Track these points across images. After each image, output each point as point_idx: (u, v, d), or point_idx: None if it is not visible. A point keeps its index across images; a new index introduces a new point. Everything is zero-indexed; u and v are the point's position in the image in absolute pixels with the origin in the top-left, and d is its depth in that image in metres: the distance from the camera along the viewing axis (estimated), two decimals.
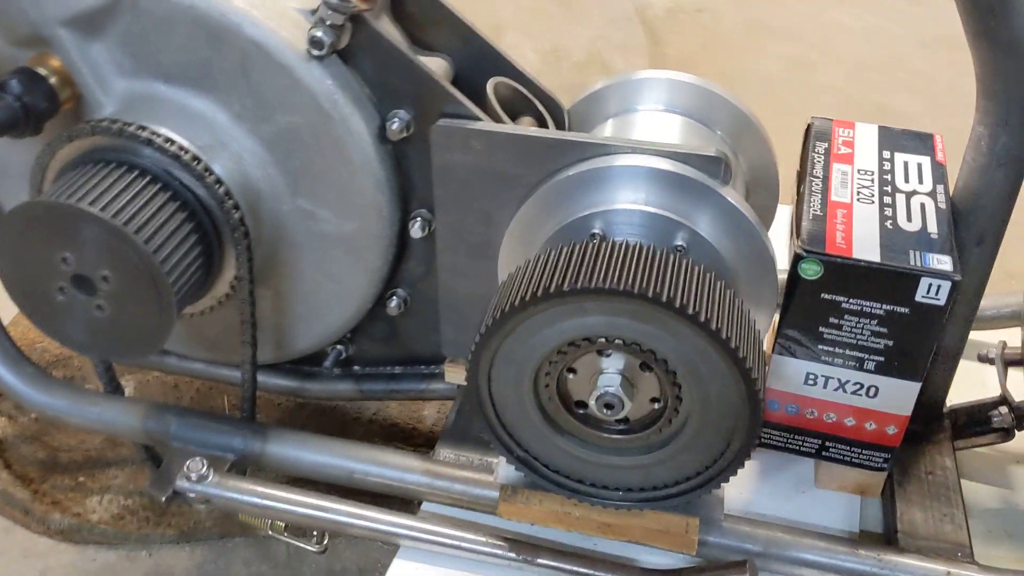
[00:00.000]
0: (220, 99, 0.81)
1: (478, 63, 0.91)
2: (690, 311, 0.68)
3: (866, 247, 0.76)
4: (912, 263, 0.74)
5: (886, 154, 0.87)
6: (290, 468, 0.92)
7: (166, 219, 0.78)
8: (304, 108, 0.80)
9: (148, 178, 0.79)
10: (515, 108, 0.90)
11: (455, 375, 0.95)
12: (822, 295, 0.77)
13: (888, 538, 0.86)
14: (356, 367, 1.01)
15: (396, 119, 0.82)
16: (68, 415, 0.95)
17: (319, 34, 0.77)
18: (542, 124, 0.90)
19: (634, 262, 0.71)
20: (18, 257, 0.79)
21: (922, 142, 0.89)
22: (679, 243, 0.77)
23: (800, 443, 0.86)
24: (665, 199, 0.78)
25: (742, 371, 0.70)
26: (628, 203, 0.78)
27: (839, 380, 0.81)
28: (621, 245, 0.72)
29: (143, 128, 0.79)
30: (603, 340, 0.73)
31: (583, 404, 0.78)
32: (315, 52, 0.78)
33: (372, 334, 0.98)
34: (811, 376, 0.81)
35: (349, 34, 0.79)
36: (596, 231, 0.79)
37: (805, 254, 0.76)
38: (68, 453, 1.14)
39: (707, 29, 2.21)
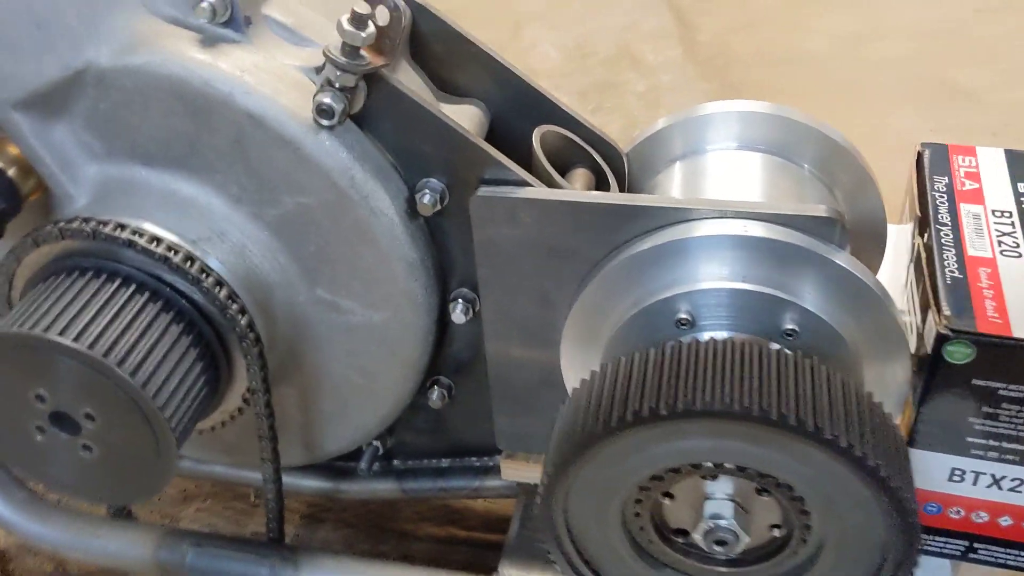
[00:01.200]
0: (214, 182, 0.67)
1: (518, 107, 0.76)
2: (827, 435, 0.53)
3: None
4: None
5: (1022, 187, 0.72)
6: None
7: (157, 338, 0.64)
8: (316, 187, 0.66)
9: (132, 288, 0.65)
10: (566, 160, 0.74)
11: (514, 471, 0.81)
12: (973, 381, 0.62)
13: None
14: (396, 461, 0.87)
15: (427, 191, 0.67)
16: (66, 547, 0.82)
17: (327, 100, 0.62)
18: (599, 177, 0.75)
19: (742, 368, 0.56)
20: None
21: None
22: (789, 326, 0.62)
23: (942, 545, 0.71)
24: (767, 273, 0.63)
25: (894, 503, 0.55)
26: (721, 281, 0.63)
27: (993, 476, 0.66)
28: (722, 345, 0.57)
29: (122, 227, 0.65)
30: (709, 465, 0.58)
31: (684, 532, 0.63)
32: (324, 122, 0.63)
33: (414, 425, 0.83)
34: (957, 472, 0.66)
35: (364, 95, 0.64)
36: (683, 316, 0.64)
37: (952, 335, 0.60)
38: (78, 565, 1.01)
39: (742, 7, 2.03)
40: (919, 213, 0.71)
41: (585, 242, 0.66)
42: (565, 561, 0.64)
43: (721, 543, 0.60)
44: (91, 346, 0.61)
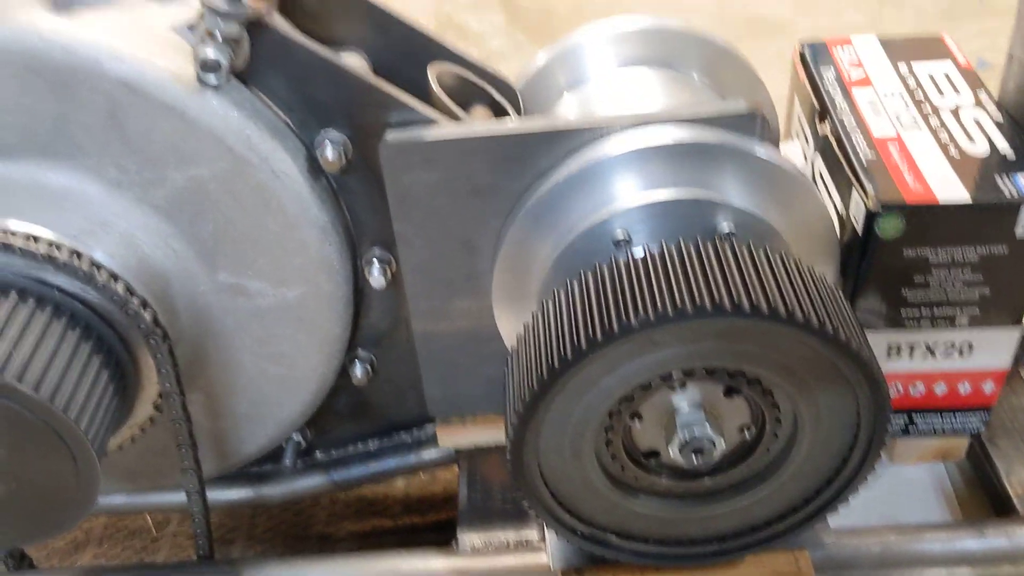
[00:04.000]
0: (88, 166, 0.60)
1: (401, 52, 0.72)
2: (798, 318, 0.52)
3: (946, 185, 0.62)
4: (1007, 193, 0.61)
5: (903, 67, 0.74)
6: None
7: (55, 348, 0.56)
8: (208, 156, 0.59)
9: (13, 296, 0.56)
10: (463, 98, 0.71)
11: (450, 437, 0.77)
12: (904, 253, 0.63)
13: (998, 505, 0.74)
14: (320, 454, 0.81)
15: (328, 143, 0.62)
16: None
17: (211, 54, 0.56)
18: (499, 113, 0.72)
19: (702, 269, 0.54)
20: None
21: (933, 47, 0.76)
22: (726, 228, 0.61)
23: None
24: (695, 177, 0.62)
25: (866, 375, 0.55)
26: (653, 192, 0.62)
27: (927, 345, 0.67)
28: (676, 248, 0.56)
29: None
30: (680, 374, 0.56)
31: (655, 453, 0.62)
32: (211, 80, 0.57)
33: (335, 410, 0.78)
34: (894, 348, 0.68)
35: (248, 46, 0.59)
36: (619, 235, 0.62)
37: (882, 210, 0.61)
38: None
39: None
40: (816, 105, 0.72)
41: (506, 176, 0.63)
42: (541, 507, 0.61)
43: (698, 451, 0.58)
44: None
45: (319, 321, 0.68)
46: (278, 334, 0.68)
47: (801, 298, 0.53)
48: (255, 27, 0.59)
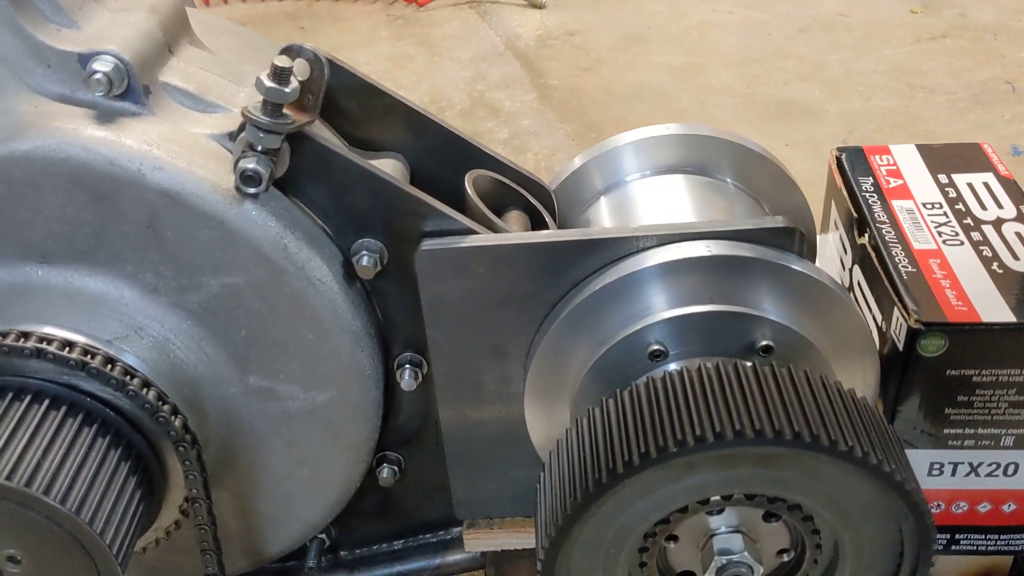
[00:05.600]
0: (125, 272, 0.60)
1: (439, 156, 0.72)
2: (841, 447, 0.51)
3: (989, 303, 0.61)
4: None
5: (943, 178, 0.74)
6: None
7: (83, 457, 0.55)
8: (244, 264, 0.59)
9: (46, 403, 0.56)
10: (498, 203, 0.71)
11: (478, 541, 0.76)
12: (947, 372, 0.62)
13: None
14: (344, 552, 0.80)
15: (364, 252, 0.63)
16: None
17: (251, 166, 0.56)
18: (535, 217, 0.72)
19: (741, 393, 0.53)
20: None
21: (973, 155, 0.76)
22: (764, 342, 0.61)
23: None
24: (732, 291, 0.61)
25: (910, 506, 0.53)
26: (689, 306, 0.61)
27: (970, 464, 0.66)
28: (714, 371, 0.55)
29: (25, 336, 0.57)
30: (717, 499, 0.55)
31: (691, 574, 0.60)
32: (249, 190, 0.57)
33: (361, 509, 0.77)
34: (936, 466, 0.66)
35: (288, 158, 0.59)
36: (655, 347, 0.61)
37: (924, 328, 0.60)
38: None
39: (583, 50, 2.07)
40: (855, 214, 0.71)
41: (541, 284, 0.63)
42: None
43: None
44: (9, 476, 0.52)
45: (348, 424, 0.67)
46: (306, 437, 0.67)
47: (844, 426, 0.52)
48: (296, 138, 0.59)
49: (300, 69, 0.59)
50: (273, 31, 2.23)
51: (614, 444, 0.53)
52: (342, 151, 0.60)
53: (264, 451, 0.68)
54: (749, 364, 0.55)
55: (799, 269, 0.61)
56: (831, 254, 0.78)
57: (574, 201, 0.78)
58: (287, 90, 0.55)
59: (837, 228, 0.76)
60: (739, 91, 1.93)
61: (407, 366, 0.68)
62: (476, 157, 0.72)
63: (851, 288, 0.72)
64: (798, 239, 0.61)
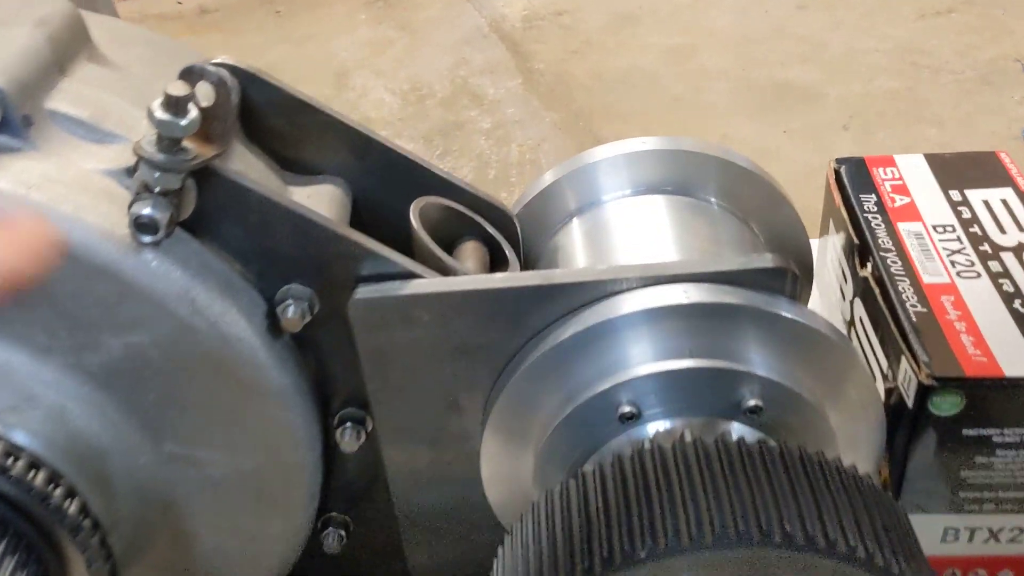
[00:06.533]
0: (12, 333, 0.51)
1: (384, 179, 0.64)
2: (841, 549, 0.43)
3: (1012, 352, 0.53)
4: None
5: (955, 195, 0.65)
6: None
7: None
8: (147, 321, 0.51)
9: None
10: (452, 233, 0.63)
11: None
12: (964, 432, 0.53)
13: None
14: None
15: (290, 300, 0.54)
16: None
17: (147, 212, 0.48)
18: (492, 247, 0.64)
19: (724, 481, 0.45)
20: None
21: (989, 167, 0.67)
22: (751, 402, 0.52)
23: None
24: (715, 343, 0.53)
25: None
26: (664, 361, 0.53)
27: (990, 530, 0.58)
28: (690, 453, 0.46)
29: None
30: None
31: None
32: (145, 238, 0.49)
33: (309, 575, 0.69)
34: (951, 532, 0.58)
35: (194, 196, 0.51)
36: (626, 409, 0.53)
37: (937, 384, 0.52)
38: None
39: (572, 31, 1.97)
40: (856, 240, 0.63)
41: (497, 333, 0.55)
42: None
43: None
44: None
45: (281, 492, 0.59)
46: (235, 505, 0.59)
47: (845, 520, 0.43)
48: (204, 173, 0.51)
49: (204, 94, 0.50)
50: (248, 17, 2.14)
51: (574, 546, 0.45)
52: (258, 187, 0.51)
53: (189, 522, 0.60)
54: (734, 439, 0.47)
55: (791, 316, 0.52)
56: (829, 279, 0.69)
57: (542, 225, 0.69)
58: (183, 122, 0.47)
59: (835, 250, 0.68)
60: (735, 74, 1.83)
61: (348, 424, 0.59)
62: (426, 180, 0.64)
63: (852, 323, 0.63)
64: (790, 280, 0.53)
